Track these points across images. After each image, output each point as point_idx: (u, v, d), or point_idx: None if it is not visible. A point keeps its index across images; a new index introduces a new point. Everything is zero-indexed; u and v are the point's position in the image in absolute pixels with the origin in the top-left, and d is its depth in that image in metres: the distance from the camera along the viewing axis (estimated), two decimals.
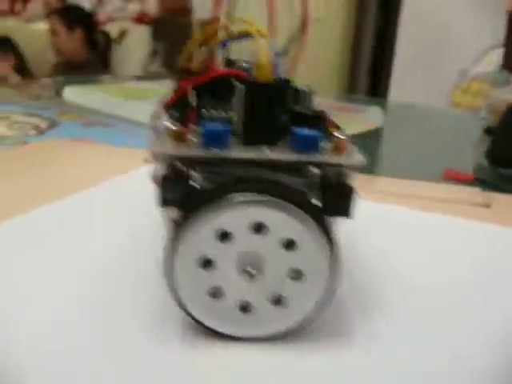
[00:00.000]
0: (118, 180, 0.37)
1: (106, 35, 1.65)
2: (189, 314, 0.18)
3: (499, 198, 0.38)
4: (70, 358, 0.17)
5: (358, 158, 0.17)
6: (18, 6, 2.03)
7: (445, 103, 1.24)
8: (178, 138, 0.17)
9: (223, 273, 0.18)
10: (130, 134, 0.55)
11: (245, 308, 0.18)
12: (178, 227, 0.17)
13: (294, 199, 0.17)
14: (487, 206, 0.36)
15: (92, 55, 1.57)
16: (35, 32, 1.70)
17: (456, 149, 0.63)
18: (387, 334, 0.20)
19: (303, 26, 0.21)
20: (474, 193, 0.40)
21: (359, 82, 2.05)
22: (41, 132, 0.53)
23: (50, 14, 1.60)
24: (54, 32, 1.52)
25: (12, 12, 2.13)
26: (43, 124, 0.55)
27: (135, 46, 1.78)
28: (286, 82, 0.21)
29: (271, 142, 0.17)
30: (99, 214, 0.31)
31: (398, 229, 0.31)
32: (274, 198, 0.17)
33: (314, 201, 0.19)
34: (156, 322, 0.20)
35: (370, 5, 2.01)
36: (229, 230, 0.17)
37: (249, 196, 0.17)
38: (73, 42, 1.54)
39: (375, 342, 0.20)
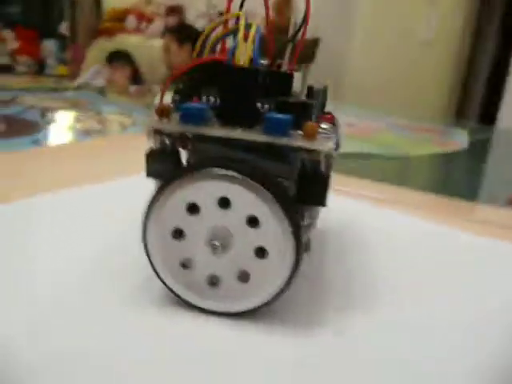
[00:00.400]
0: None
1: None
2: (162, 281, 0.20)
3: None
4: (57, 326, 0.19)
5: (326, 144, 0.17)
6: (143, 25, 2.25)
7: None
8: (162, 113, 0.19)
9: (193, 244, 0.19)
10: None
11: (213, 282, 0.19)
12: (152, 199, 0.19)
13: (258, 178, 0.18)
14: None
15: None
16: (152, 48, 1.87)
17: None
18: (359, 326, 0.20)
19: (305, 18, 0.21)
20: None
21: (470, 106, 1.93)
22: (123, 127, 0.59)
23: (165, 32, 1.76)
24: (166, 48, 1.66)
25: (138, 30, 2.36)
26: (127, 122, 0.62)
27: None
28: (288, 75, 0.21)
29: (247, 125, 0.18)
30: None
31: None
32: (238, 175, 0.17)
33: (285, 184, 0.19)
34: (139, 290, 0.22)
35: (488, 29, 1.89)
36: (197, 202, 0.18)
37: (216, 171, 0.18)
38: (181, 57, 1.67)
39: (343, 333, 0.19)
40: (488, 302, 0.23)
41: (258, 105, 0.20)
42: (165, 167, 0.20)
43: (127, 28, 2.15)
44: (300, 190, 0.19)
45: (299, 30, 0.21)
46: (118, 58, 1.67)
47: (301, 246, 0.18)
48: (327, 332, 0.19)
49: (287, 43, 0.21)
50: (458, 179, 0.54)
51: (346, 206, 0.36)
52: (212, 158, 0.19)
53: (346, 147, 0.58)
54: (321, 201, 0.19)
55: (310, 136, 0.18)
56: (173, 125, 0.18)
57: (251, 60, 0.18)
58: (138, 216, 0.19)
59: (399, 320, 0.21)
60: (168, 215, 0.19)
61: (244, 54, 0.18)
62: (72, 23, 2.24)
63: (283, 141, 0.17)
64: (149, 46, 1.93)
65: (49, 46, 2.38)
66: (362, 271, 0.25)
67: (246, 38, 0.18)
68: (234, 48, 0.18)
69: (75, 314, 0.19)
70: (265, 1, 0.21)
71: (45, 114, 0.65)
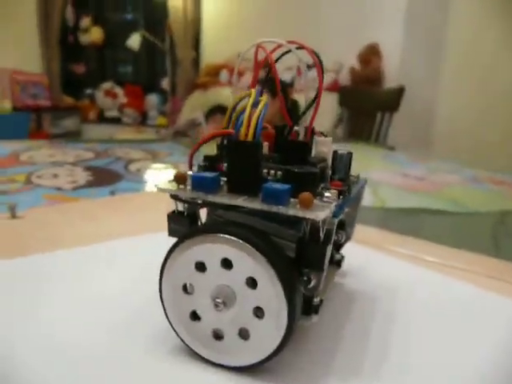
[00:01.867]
0: None
1: (296, 104, 1.83)
2: (175, 331, 0.22)
3: None
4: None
5: (315, 213, 0.18)
6: (234, 79, 2.40)
7: None
8: (179, 180, 0.21)
9: (200, 299, 0.21)
10: None
11: (217, 335, 0.21)
12: (166, 256, 0.21)
13: (254, 242, 0.19)
14: None
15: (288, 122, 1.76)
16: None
17: None
18: None
19: (318, 95, 0.23)
20: None
21: None
22: None
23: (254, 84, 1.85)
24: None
25: (230, 84, 2.53)
26: None
27: (324, 111, 1.90)
28: (302, 144, 0.23)
29: (252, 193, 0.20)
30: None
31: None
32: (237, 239, 0.19)
33: (290, 251, 0.20)
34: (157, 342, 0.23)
35: None
36: (204, 261, 0.20)
37: (219, 235, 0.20)
38: (274, 109, 1.75)
39: None
40: None
41: (265, 171, 0.21)
42: (182, 228, 0.22)
43: (220, 81, 2.31)
44: (299, 254, 0.20)
45: (315, 99, 0.23)
46: (217, 111, 1.79)
47: (294, 309, 0.19)
48: None
49: (307, 109, 0.23)
50: None
51: (394, 268, 0.36)
52: (217, 222, 0.21)
53: (405, 202, 0.57)
54: (317, 266, 0.20)
55: (305, 205, 0.19)
56: (186, 192, 0.21)
57: (254, 135, 0.20)
58: None
59: None
60: (179, 271, 0.21)
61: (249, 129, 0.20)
62: (172, 79, 2.47)
63: (277, 209, 0.19)
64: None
65: (152, 99, 2.64)
66: (380, 342, 0.25)
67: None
68: (240, 123, 0.20)
69: (100, 364, 0.22)
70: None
71: (128, 165, 0.72)
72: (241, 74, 2.35)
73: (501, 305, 0.30)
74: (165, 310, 0.22)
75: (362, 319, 0.27)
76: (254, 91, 0.21)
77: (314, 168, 0.21)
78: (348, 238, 0.29)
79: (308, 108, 0.23)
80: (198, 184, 0.20)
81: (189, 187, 0.21)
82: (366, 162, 0.87)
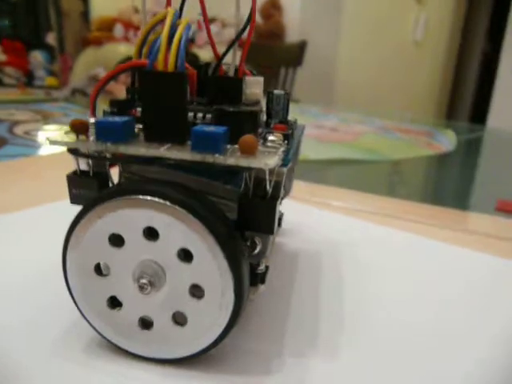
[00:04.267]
0: None
1: (197, 58, 1.74)
2: (90, 323, 0.17)
3: None
4: None
5: (263, 161, 0.14)
6: (131, 34, 2.23)
7: None
8: (78, 129, 0.16)
9: (119, 281, 0.16)
10: None
11: (145, 324, 0.17)
12: (69, 229, 0.16)
13: (189, 204, 0.15)
14: None
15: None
16: None
17: None
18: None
19: (251, 18, 0.19)
20: None
21: (461, 106, 1.92)
22: None
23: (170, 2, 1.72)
24: None
25: (126, 39, 2.34)
26: None
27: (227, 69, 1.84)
28: (234, 81, 0.19)
29: (177, 141, 0.16)
30: None
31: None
32: (164, 201, 0.15)
33: (232, 211, 0.16)
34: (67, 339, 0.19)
35: (477, 30, 1.88)
36: (120, 233, 0.15)
37: (138, 197, 0.15)
38: None
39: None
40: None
41: (190, 115, 0.17)
42: (88, 192, 0.17)
43: (115, 37, 2.13)
44: (241, 214, 0.16)
45: (244, 29, 0.18)
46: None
47: (242, 283, 0.15)
48: (279, 381, 0.17)
49: (232, 44, 0.18)
50: (444, 184, 0.52)
51: (321, 218, 0.34)
52: (137, 181, 0.16)
53: (327, 153, 0.56)
54: (268, 227, 0.16)
55: (248, 152, 0.15)
56: (89, 143, 0.15)
57: (176, 63, 0.15)
58: None
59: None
60: (89, 249, 0.16)
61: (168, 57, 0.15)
62: (59, 33, 2.22)
63: (214, 158, 0.15)
64: None
65: (37, 57, 2.36)
66: (333, 305, 0.22)
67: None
68: (157, 50, 0.15)
69: None
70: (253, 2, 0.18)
71: (13, 127, 0.62)
72: (137, 28, 2.19)
73: (438, 248, 0.29)
74: (73, 298, 0.17)
75: (311, 282, 0.24)
76: (171, 10, 0.16)
77: (252, 107, 0.17)
78: (287, 193, 0.26)
79: (238, 37, 0.18)
80: (105, 132, 0.15)
81: (92, 137, 0.16)
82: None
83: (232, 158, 0.15)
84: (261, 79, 0.21)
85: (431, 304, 0.22)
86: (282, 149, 0.16)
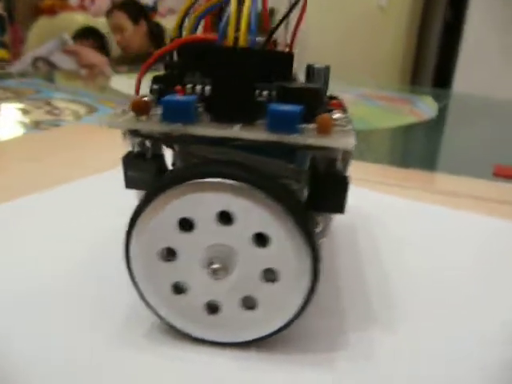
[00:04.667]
0: None
1: (161, 28, 1.67)
2: (152, 309, 0.16)
3: None
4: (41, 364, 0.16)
5: (345, 140, 0.14)
6: (87, 2, 2.12)
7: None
8: (140, 110, 0.15)
9: (187, 267, 0.16)
10: None
11: (212, 309, 0.16)
12: (134, 214, 0.15)
13: (268, 188, 0.14)
14: None
15: (154, 48, 1.59)
16: (101, 26, 1.75)
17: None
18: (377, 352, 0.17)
19: None
20: None
21: (424, 72, 1.94)
22: (78, 117, 0.53)
23: (113, 9, 1.62)
24: (117, 27, 1.53)
25: (82, 8, 2.23)
26: (82, 110, 0.56)
27: None
28: (288, 54, 0.18)
29: (245, 119, 0.15)
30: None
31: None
32: (243, 185, 0.14)
33: (298, 192, 0.16)
34: (124, 319, 0.18)
35: None
36: (191, 217, 0.15)
37: (215, 181, 0.14)
38: (139, 36, 1.55)
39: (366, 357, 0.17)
40: None
41: (256, 93, 0.16)
42: (146, 175, 0.16)
43: (70, 5, 2.02)
44: (314, 195, 0.16)
45: (297, 2, 0.17)
46: (89, 35, 1.55)
47: (319, 267, 0.15)
48: (348, 356, 0.17)
49: (283, 19, 0.18)
50: (437, 150, 0.53)
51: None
52: (209, 163, 0.15)
53: None
54: (339, 207, 0.16)
55: (325, 131, 0.14)
56: (153, 124, 0.15)
57: (247, 39, 0.14)
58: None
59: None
60: (155, 233, 0.15)
61: (238, 32, 0.14)
62: (8, 2, 2.08)
63: (293, 139, 0.14)
64: (97, 23, 1.80)
65: None
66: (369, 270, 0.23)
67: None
68: (225, 24, 0.14)
69: (54, 357, 0.16)
70: None
71: None
72: None
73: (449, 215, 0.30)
74: (136, 284, 0.16)
75: (355, 257, 0.24)
76: None
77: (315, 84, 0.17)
78: None
79: (292, 8, 0.18)
80: (171, 112, 0.14)
81: (156, 118, 0.15)
82: None
83: (311, 138, 0.14)
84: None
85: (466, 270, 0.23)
86: (350, 126, 0.16)
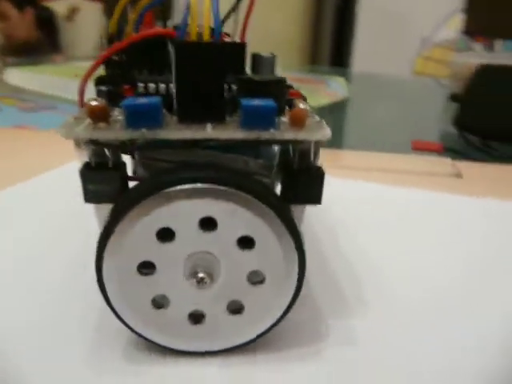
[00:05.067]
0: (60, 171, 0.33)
1: (51, 13, 1.55)
2: (128, 326, 0.15)
3: (469, 167, 0.36)
4: None
5: (322, 132, 0.14)
6: None
7: (408, 72, 1.22)
8: (98, 116, 0.13)
9: (167, 279, 0.15)
10: None
11: (196, 318, 0.15)
12: (108, 227, 0.14)
13: (248, 188, 0.14)
14: (459, 176, 0.34)
15: (43, 36, 1.47)
16: None
17: (421, 117, 0.61)
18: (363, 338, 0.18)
19: None
20: (445, 163, 0.38)
21: (322, 53, 2.01)
22: None
23: None
24: (2, 16, 1.39)
25: None
26: None
27: (87, 25, 1.68)
28: (239, 45, 0.17)
29: (216, 118, 0.14)
30: (32, 209, 0.27)
31: (367, 205, 0.29)
32: (223, 187, 0.13)
33: (273, 187, 0.16)
34: (94, 335, 0.17)
35: None
36: (171, 227, 0.14)
37: (192, 186, 0.13)
38: (25, 23, 1.42)
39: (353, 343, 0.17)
40: None
41: (225, 88, 0.15)
42: (110, 187, 0.15)
43: None
44: (289, 188, 0.15)
45: None
46: None
47: (305, 263, 0.15)
48: (336, 344, 0.17)
49: (233, 9, 0.17)
50: (356, 129, 0.55)
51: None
52: (182, 167, 0.14)
53: None
54: (317, 198, 0.16)
55: (300, 124, 0.14)
56: (116, 131, 0.13)
57: (210, 33, 0.14)
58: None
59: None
60: (132, 248, 0.14)
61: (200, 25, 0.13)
62: None
63: (270, 135, 0.14)
64: None
65: None
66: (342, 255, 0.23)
67: None
68: (186, 17, 0.13)
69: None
70: None
71: None
72: None
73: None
74: (110, 304, 0.15)
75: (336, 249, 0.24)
76: None
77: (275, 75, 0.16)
78: None
79: None
80: (137, 117, 0.13)
81: (118, 125, 0.14)
82: None
83: (289, 132, 0.14)
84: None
85: (449, 253, 0.24)
86: (316, 116, 0.16)
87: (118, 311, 0.15)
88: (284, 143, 0.14)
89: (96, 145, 0.14)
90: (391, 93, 0.82)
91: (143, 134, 0.13)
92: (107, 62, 0.17)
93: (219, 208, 0.14)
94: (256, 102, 0.14)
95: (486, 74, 0.41)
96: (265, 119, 0.14)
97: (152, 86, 0.15)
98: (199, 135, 0.13)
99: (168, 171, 0.14)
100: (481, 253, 0.24)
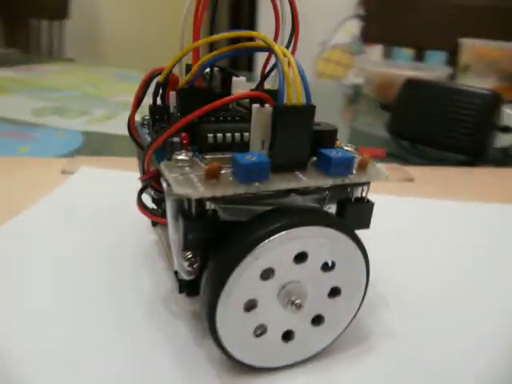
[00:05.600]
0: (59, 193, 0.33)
1: None
2: (229, 356, 0.17)
3: (418, 171, 0.41)
4: None
5: (383, 174, 0.17)
6: None
7: (311, 74, 1.31)
8: (215, 175, 0.15)
9: (267, 310, 0.17)
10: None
11: (287, 337, 0.18)
12: (222, 278, 0.16)
13: (331, 223, 0.17)
14: (410, 180, 0.40)
15: None
16: None
17: (326, 119, 0.67)
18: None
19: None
20: (396, 169, 0.42)
21: None
22: None
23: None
24: None
25: None
26: None
27: None
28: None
29: (301, 167, 0.17)
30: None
31: None
32: (315, 227, 0.16)
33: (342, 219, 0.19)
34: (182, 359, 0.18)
35: None
36: (273, 266, 0.16)
37: (294, 230, 0.16)
38: None
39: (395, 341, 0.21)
40: None
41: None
42: (209, 233, 0.16)
43: None
44: (348, 216, 0.19)
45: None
46: None
47: (369, 274, 0.18)
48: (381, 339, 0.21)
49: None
50: None
51: None
52: (284, 214, 0.16)
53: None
54: (367, 224, 0.19)
55: (365, 168, 0.17)
56: (235, 187, 0.15)
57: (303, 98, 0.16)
58: None
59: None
60: (241, 289, 0.16)
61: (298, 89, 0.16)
62: None
63: (350, 180, 0.17)
64: None
65: None
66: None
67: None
68: (283, 83, 0.16)
69: None
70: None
71: None
72: None
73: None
74: (218, 339, 0.17)
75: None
76: (261, 35, 0.17)
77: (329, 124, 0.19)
78: None
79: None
80: (250, 174, 0.15)
81: (229, 180, 0.15)
82: (107, 86, 0.76)
83: (362, 176, 0.17)
84: (243, 79, 0.22)
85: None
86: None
87: (224, 345, 0.17)
88: (356, 185, 0.18)
89: (214, 201, 0.16)
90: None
91: (257, 187, 0.15)
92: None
93: (310, 243, 0.16)
94: (339, 154, 0.17)
95: (410, 87, 0.48)
96: (348, 168, 0.17)
97: (220, 135, 0.18)
98: (299, 184, 0.16)
99: (269, 219, 0.16)
100: (462, 252, 0.29)
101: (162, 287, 0.23)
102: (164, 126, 0.20)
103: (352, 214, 0.19)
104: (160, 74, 0.21)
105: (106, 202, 0.31)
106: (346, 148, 0.19)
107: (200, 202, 0.16)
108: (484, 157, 0.45)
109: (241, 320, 0.17)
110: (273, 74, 0.20)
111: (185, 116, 0.17)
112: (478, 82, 0.62)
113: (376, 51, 1.05)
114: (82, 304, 0.22)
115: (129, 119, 0.22)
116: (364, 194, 0.19)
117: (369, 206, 0.19)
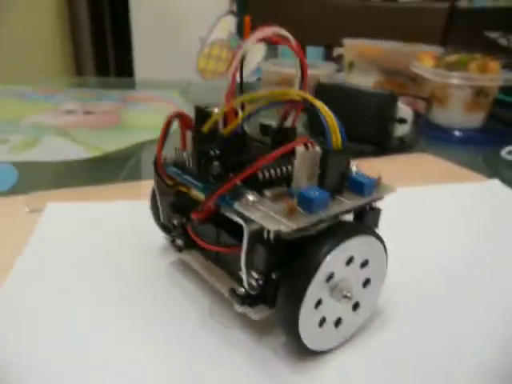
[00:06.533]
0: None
1: None
2: (303, 346, 0.22)
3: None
4: None
5: (391, 187, 0.23)
6: None
7: (193, 71, 1.32)
8: (291, 211, 0.19)
9: (328, 305, 0.22)
10: None
11: (337, 323, 0.23)
12: (303, 281, 0.20)
13: (370, 232, 0.22)
14: None
15: None
16: None
17: None
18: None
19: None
20: None
21: (86, 61, 1.88)
22: None
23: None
24: None
25: None
26: None
27: None
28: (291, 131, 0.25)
29: (339, 193, 0.22)
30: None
31: None
32: (359, 237, 0.21)
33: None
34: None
35: None
36: (333, 271, 0.21)
37: (345, 242, 0.21)
38: None
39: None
40: None
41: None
42: (281, 256, 0.21)
43: None
44: (364, 221, 0.24)
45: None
46: None
47: (387, 265, 0.24)
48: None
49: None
50: None
51: None
52: (333, 229, 0.21)
53: (121, 140, 0.55)
54: (377, 225, 0.25)
55: (379, 185, 0.23)
56: (309, 219, 0.20)
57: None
58: None
59: None
60: (315, 293, 0.21)
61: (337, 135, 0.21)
62: None
63: (373, 197, 0.22)
64: None
65: None
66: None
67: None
68: (329, 132, 0.20)
69: None
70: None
71: None
72: None
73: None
74: (297, 334, 0.21)
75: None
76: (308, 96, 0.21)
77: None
78: None
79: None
80: (316, 206, 0.20)
81: (301, 212, 0.20)
82: (7, 107, 0.70)
83: (380, 193, 0.23)
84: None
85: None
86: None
87: (302, 338, 0.21)
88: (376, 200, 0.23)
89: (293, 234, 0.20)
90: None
91: (321, 215, 0.20)
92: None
93: (356, 249, 0.22)
94: (365, 179, 0.22)
95: (322, 90, 0.56)
96: (371, 188, 0.22)
97: (267, 173, 0.22)
98: (347, 207, 0.21)
99: (327, 237, 0.21)
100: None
101: (206, 306, 0.27)
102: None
103: (369, 219, 0.24)
104: (178, 116, 0.25)
105: (97, 238, 0.33)
106: (354, 168, 0.25)
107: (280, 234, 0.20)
108: (388, 146, 0.54)
109: (312, 316, 0.21)
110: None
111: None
112: (362, 78, 0.72)
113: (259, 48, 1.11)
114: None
115: (155, 160, 0.26)
116: (377, 204, 0.24)
117: (378, 211, 0.24)
